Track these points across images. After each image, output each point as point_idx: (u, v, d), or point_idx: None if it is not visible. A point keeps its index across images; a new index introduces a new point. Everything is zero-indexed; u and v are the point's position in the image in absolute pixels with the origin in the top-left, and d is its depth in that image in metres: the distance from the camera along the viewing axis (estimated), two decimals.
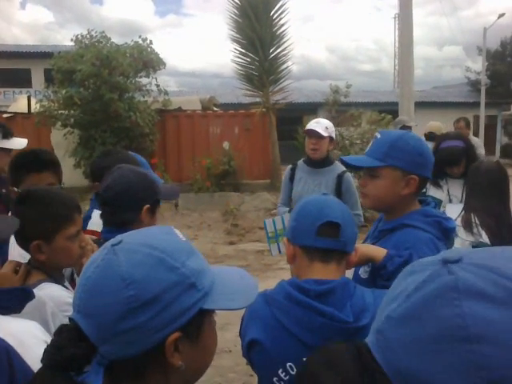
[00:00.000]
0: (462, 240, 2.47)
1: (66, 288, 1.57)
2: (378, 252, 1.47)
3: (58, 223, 1.51)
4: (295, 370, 1.21)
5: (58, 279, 1.56)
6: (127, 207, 1.71)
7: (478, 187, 2.59)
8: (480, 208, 2.52)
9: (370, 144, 1.70)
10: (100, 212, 2.16)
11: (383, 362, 0.60)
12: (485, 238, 2.44)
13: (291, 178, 3.56)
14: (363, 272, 1.62)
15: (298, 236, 1.30)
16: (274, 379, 1.23)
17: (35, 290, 1.39)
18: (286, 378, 1.23)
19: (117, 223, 1.71)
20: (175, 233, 0.84)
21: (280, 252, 3.42)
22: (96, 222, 1.99)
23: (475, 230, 2.47)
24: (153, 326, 0.72)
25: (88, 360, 0.74)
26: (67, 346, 0.73)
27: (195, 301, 0.75)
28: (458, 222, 2.49)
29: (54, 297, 1.43)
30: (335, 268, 1.28)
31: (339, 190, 3.37)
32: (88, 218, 2.22)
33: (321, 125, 3.38)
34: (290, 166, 3.64)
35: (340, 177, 3.38)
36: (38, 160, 2.15)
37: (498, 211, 2.51)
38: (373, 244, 1.64)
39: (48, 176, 2.16)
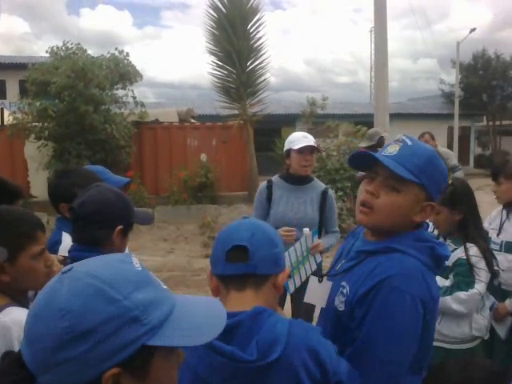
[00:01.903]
0: (485, 273, 2.36)
1: None
2: None
3: (21, 242, 1.46)
4: None
5: (22, 302, 1.50)
6: (101, 225, 1.69)
7: (473, 214, 2.46)
8: (480, 236, 2.44)
9: (392, 146, 1.37)
10: (69, 235, 2.10)
11: None
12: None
13: (268, 198, 3.21)
14: (339, 302, 1.41)
15: (213, 265, 1.24)
16: None
17: (0, 316, 1.36)
18: None
19: (87, 241, 1.69)
20: (131, 261, 0.80)
21: (295, 286, 2.80)
22: (67, 247, 1.91)
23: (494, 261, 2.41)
24: (88, 360, 0.69)
25: None
26: (6, 374, 0.71)
27: (137, 336, 0.71)
28: (475, 252, 2.36)
29: (20, 322, 1.34)
30: (252, 295, 1.18)
31: (323, 206, 3.20)
32: (58, 242, 2.14)
33: (309, 139, 3.13)
34: (264, 184, 3.29)
35: (324, 193, 3.21)
36: (8, 191, 2.10)
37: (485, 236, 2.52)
38: (349, 268, 1.40)
39: (18, 204, 2.13)
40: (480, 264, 2.34)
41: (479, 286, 2.32)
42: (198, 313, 0.81)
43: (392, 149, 1.36)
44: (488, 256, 2.37)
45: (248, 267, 1.16)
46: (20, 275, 1.46)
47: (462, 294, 2.29)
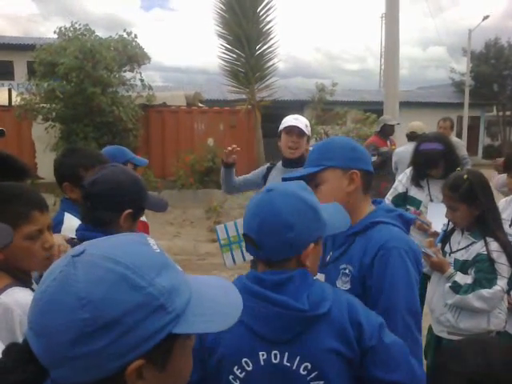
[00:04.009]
0: (507, 268, 2.30)
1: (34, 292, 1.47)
2: None
3: (13, 221, 1.38)
4: (251, 366, 1.16)
5: (25, 282, 1.45)
6: (108, 207, 1.62)
7: (492, 207, 2.39)
8: (499, 229, 2.39)
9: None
10: (72, 216, 2.07)
11: None
12: None
13: (265, 178, 3.27)
14: (342, 283, 1.53)
15: None
16: (230, 377, 1.18)
17: (2, 296, 1.32)
18: (241, 376, 1.17)
19: (93, 221, 1.64)
20: (149, 243, 0.73)
21: (234, 262, 3.12)
22: (69, 228, 1.87)
23: None
24: (111, 353, 0.63)
25: None
26: (14, 370, 0.65)
27: (163, 324, 0.67)
28: (496, 246, 2.31)
29: (23, 304, 1.31)
30: (279, 269, 1.20)
31: None
32: (61, 222, 2.09)
33: (300, 121, 3.06)
34: (267, 165, 3.35)
35: None
36: (17, 169, 2.08)
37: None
38: (342, 252, 1.56)
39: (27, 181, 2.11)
40: (501, 259, 2.28)
41: (501, 283, 2.27)
42: (215, 296, 0.77)
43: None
44: (509, 250, 2.31)
45: (260, 254, 1.20)
46: (13, 255, 1.40)
47: (484, 292, 2.23)
